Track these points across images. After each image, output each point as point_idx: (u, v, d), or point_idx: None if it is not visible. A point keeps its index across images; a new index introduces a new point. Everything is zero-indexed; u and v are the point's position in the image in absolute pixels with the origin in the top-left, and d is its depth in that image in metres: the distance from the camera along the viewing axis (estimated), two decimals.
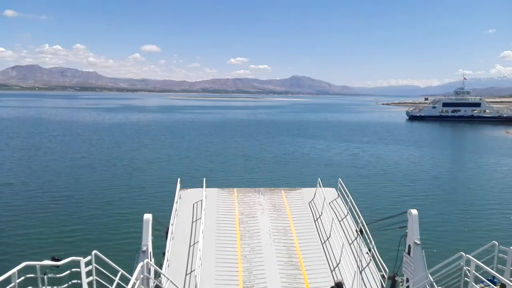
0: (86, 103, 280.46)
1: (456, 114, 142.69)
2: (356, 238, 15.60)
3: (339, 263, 14.11)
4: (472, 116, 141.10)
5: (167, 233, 14.80)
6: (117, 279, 11.11)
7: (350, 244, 15.29)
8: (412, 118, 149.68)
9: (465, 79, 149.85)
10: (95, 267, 10.67)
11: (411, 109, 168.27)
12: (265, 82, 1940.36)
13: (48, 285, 9.70)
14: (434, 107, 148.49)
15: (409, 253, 12.55)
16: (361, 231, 15.62)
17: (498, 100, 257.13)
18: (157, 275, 12.01)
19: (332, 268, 13.98)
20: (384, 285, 13.10)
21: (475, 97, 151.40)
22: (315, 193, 19.49)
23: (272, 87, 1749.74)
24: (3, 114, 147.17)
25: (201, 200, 17.62)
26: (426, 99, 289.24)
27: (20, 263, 9.07)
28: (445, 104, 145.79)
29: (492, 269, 10.71)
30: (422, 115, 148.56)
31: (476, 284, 10.39)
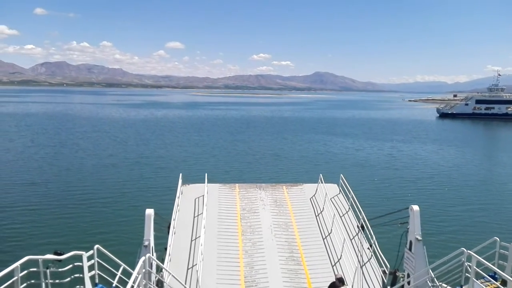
0: (112, 99, 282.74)
1: (490, 111, 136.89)
2: (357, 234, 15.59)
3: (340, 258, 14.11)
4: (506, 114, 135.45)
5: (169, 228, 14.84)
6: (119, 273, 11.21)
7: (351, 240, 15.29)
8: (443, 115, 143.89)
9: (499, 75, 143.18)
10: (97, 261, 10.75)
11: (442, 106, 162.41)
12: (288, 79, 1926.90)
13: (51, 279, 9.76)
14: (466, 104, 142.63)
15: (410, 249, 12.50)
16: (362, 226, 15.61)
17: None
18: (159, 269, 12.06)
19: (333, 264, 13.99)
20: (385, 281, 13.07)
21: (509, 94, 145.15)
22: (317, 189, 19.50)
23: (294, 84, 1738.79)
24: (32, 109, 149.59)
25: (203, 196, 17.68)
26: (455, 95, 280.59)
27: (23, 257, 9.12)
28: (478, 101, 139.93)
29: (493, 265, 10.76)
30: (454, 112, 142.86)
31: (477, 279, 10.34)
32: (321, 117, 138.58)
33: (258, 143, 67.18)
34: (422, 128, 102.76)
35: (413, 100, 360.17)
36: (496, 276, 10.95)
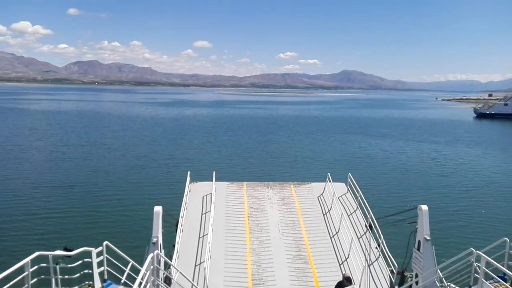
0: (142, 98, 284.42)
1: None
2: (365, 233, 15.59)
3: (347, 257, 14.12)
4: None
5: (177, 225, 14.90)
6: (127, 270, 11.36)
7: (359, 239, 15.29)
8: (480, 115, 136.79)
9: None
10: (106, 258, 10.84)
11: (480, 106, 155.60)
12: (314, 77, 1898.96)
13: (60, 274, 9.89)
14: (506, 104, 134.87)
15: (418, 249, 12.47)
16: (370, 226, 15.58)
17: None
18: (167, 266, 12.15)
19: (340, 263, 14.02)
20: (393, 280, 13.03)
21: None
22: (325, 187, 19.51)
23: (321, 82, 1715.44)
24: (64, 107, 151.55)
25: (211, 193, 17.76)
26: (490, 95, 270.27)
27: (33, 252, 9.26)
28: None
29: (503, 266, 10.67)
30: (492, 112, 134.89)
31: (486, 280, 10.30)
32: (352, 117, 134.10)
33: (284, 143, 66.01)
34: (462, 129, 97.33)
35: (446, 100, 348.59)
36: (506, 277, 10.83)
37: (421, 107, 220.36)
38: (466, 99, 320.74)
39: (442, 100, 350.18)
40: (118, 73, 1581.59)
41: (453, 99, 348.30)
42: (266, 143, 65.78)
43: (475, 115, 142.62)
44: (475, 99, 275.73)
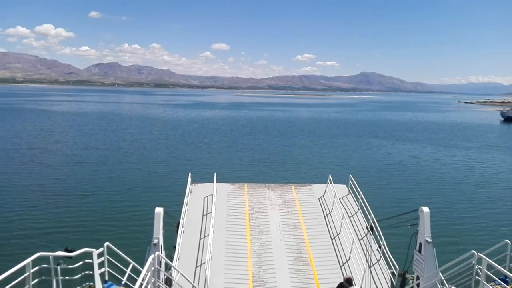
0: (161, 99, 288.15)
1: None
2: (366, 235, 15.54)
3: (349, 259, 14.09)
4: None
5: (177, 226, 15.02)
6: (128, 271, 11.39)
7: (360, 241, 15.25)
8: (508, 119, 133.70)
9: None
10: (107, 259, 10.92)
11: (507, 109, 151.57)
12: (332, 79, 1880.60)
13: (61, 275, 9.98)
14: None
15: (420, 251, 12.42)
16: (371, 228, 15.52)
17: None
18: (168, 267, 12.28)
19: (341, 264, 13.97)
20: (394, 282, 13.00)
21: None
22: (326, 189, 19.47)
23: (339, 84, 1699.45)
24: (86, 109, 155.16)
25: (212, 195, 17.83)
26: None
27: (34, 253, 9.33)
28: None
29: (504, 268, 10.60)
30: None
31: (487, 283, 10.25)
32: (375, 120, 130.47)
33: (293, 146, 65.31)
34: (493, 134, 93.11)
35: (469, 102, 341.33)
36: (507, 279, 10.74)
37: (444, 110, 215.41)
38: (490, 101, 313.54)
39: (465, 102, 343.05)
40: (137, 75, 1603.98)
41: (477, 101, 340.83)
42: (276, 146, 65.34)
43: (502, 118, 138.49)
44: (500, 102, 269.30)
